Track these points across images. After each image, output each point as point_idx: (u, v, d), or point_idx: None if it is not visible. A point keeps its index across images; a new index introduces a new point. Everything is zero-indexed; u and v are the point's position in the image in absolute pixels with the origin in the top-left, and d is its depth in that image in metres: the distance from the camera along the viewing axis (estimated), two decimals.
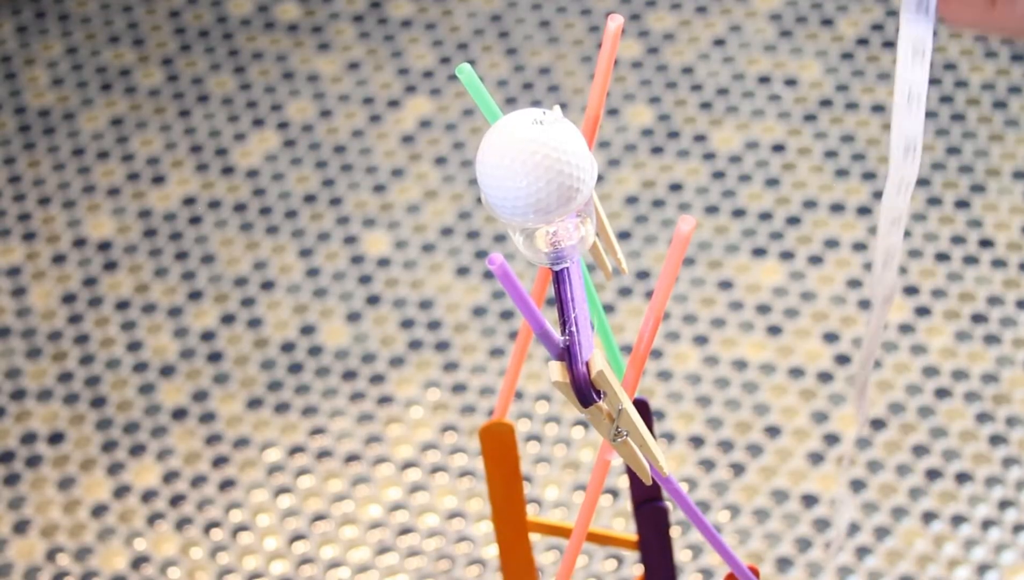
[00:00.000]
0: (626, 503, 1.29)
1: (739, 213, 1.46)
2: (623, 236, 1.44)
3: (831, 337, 1.37)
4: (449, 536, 1.28)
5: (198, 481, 1.32)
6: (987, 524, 1.26)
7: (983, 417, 1.31)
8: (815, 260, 1.42)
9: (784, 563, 1.25)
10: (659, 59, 1.58)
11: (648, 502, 0.87)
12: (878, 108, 1.52)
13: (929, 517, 1.26)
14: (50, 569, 1.28)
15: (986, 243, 1.42)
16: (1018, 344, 1.36)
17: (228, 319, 1.42)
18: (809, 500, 1.28)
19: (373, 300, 1.42)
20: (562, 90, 1.56)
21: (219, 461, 1.33)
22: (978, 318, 1.37)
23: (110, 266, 1.46)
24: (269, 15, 1.65)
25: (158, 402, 1.37)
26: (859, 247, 1.42)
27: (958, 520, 1.26)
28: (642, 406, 0.80)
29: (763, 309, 1.39)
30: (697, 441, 1.32)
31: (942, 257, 1.42)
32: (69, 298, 1.44)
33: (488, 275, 1.43)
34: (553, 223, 0.65)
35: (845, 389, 1.34)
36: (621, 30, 0.71)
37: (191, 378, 1.38)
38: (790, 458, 1.30)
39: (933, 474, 1.29)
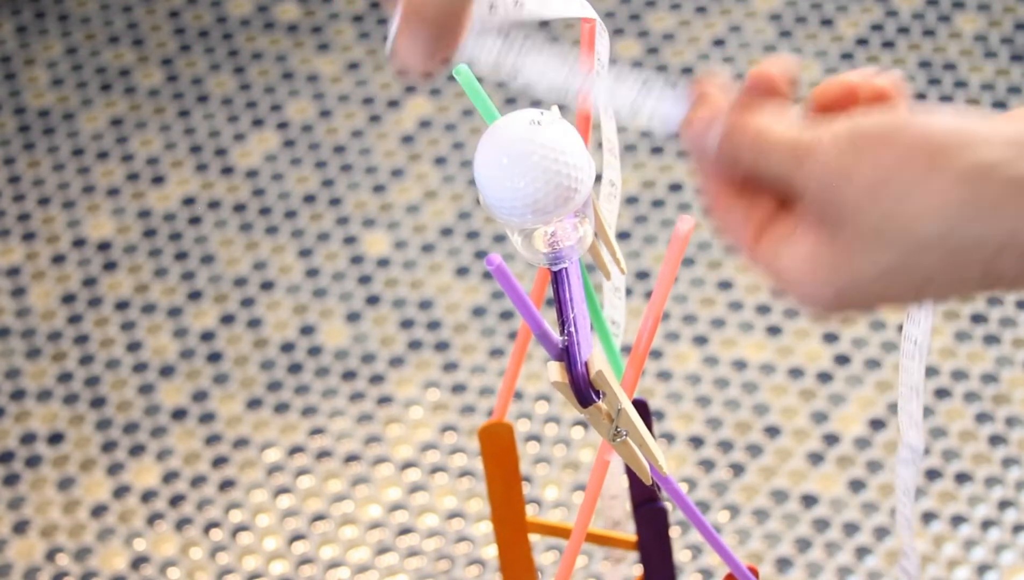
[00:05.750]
0: (625, 503, 1.28)
1: None
2: (623, 236, 1.44)
3: (831, 337, 1.37)
4: (449, 536, 1.28)
5: (198, 481, 1.32)
6: (987, 524, 1.26)
7: (983, 417, 1.31)
8: None
9: (784, 563, 1.25)
10: (659, 59, 1.58)
11: (647, 503, 0.87)
12: None
13: (929, 517, 1.26)
14: (50, 569, 1.28)
15: None
16: (1018, 344, 1.35)
17: (228, 319, 1.42)
18: (809, 500, 1.28)
19: (373, 300, 1.42)
20: None
21: (219, 461, 1.33)
22: (978, 318, 1.37)
23: (110, 266, 1.46)
24: (269, 15, 1.65)
25: (158, 402, 1.37)
26: None
27: (958, 520, 1.26)
28: (641, 406, 0.80)
29: (763, 309, 1.39)
30: (697, 441, 1.32)
31: None
32: (69, 298, 1.44)
33: (487, 275, 1.42)
34: (551, 223, 0.65)
35: (845, 389, 1.34)
36: (592, 32, 0.71)
37: (191, 378, 1.38)
38: (790, 458, 1.30)
39: (933, 474, 1.29)
